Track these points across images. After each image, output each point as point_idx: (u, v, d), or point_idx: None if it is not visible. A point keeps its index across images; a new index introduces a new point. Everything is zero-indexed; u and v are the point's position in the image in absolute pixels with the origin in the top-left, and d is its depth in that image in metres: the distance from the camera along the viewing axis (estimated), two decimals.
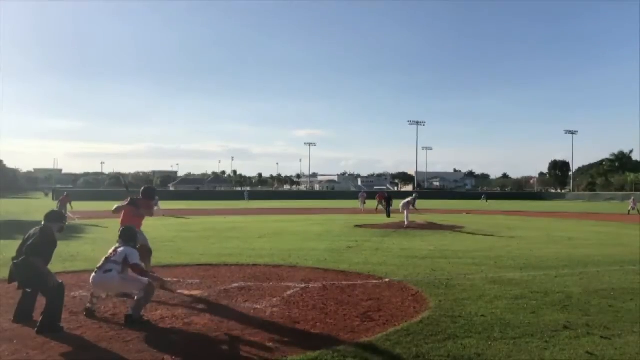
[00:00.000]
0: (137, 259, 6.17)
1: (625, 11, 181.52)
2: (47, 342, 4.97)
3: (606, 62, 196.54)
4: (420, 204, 40.07)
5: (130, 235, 6.37)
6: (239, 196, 68.61)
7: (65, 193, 21.85)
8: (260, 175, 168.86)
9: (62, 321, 5.51)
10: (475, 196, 77.11)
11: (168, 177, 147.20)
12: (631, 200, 36.18)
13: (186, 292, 7.28)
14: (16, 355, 4.61)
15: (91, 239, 15.12)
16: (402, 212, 20.76)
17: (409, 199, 21.75)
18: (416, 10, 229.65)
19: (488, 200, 62.63)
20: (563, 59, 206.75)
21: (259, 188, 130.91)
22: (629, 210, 34.29)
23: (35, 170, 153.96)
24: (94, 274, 6.04)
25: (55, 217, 6.00)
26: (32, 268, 5.42)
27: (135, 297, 5.88)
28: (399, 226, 19.53)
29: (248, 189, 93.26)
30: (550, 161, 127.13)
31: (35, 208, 37.32)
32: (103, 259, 6.14)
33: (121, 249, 6.18)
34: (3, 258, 10.56)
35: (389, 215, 27.19)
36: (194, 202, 54.32)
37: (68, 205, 20.99)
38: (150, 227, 21.39)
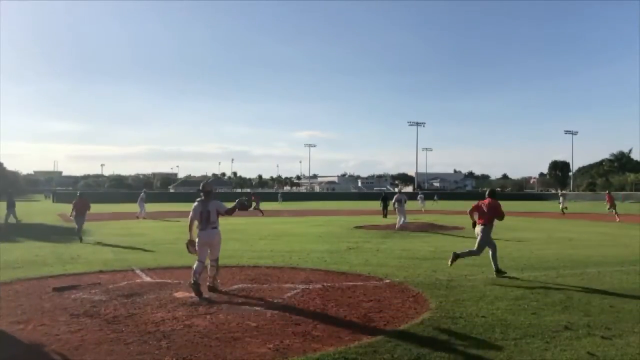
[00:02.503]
0: (224, 206, 7.32)
1: (625, 11, 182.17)
2: (47, 344, 4.97)
3: (606, 62, 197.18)
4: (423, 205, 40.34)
5: (210, 191, 7.47)
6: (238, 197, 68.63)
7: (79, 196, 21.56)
8: (260, 176, 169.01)
9: (63, 323, 5.50)
10: (478, 196, 75.92)
11: (168, 179, 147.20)
12: (561, 197, 36.42)
13: (187, 294, 7.28)
14: (18, 358, 4.61)
15: (92, 241, 15.11)
16: (397, 213, 20.13)
17: (396, 195, 20.68)
18: (416, 12, 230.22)
19: (439, 201, 56.55)
20: (563, 59, 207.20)
21: (288, 189, 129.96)
22: (563, 209, 33.45)
23: (36, 172, 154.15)
24: (201, 231, 6.98)
25: None
26: None
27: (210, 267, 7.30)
28: (400, 227, 19.50)
29: (281, 191, 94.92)
30: (550, 162, 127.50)
31: (36, 210, 37.39)
32: (201, 220, 7.13)
33: (210, 207, 7.15)
34: (3, 261, 10.57)
35: (385, 216, 27.23)
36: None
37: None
38: (151, 228, 21.53)
